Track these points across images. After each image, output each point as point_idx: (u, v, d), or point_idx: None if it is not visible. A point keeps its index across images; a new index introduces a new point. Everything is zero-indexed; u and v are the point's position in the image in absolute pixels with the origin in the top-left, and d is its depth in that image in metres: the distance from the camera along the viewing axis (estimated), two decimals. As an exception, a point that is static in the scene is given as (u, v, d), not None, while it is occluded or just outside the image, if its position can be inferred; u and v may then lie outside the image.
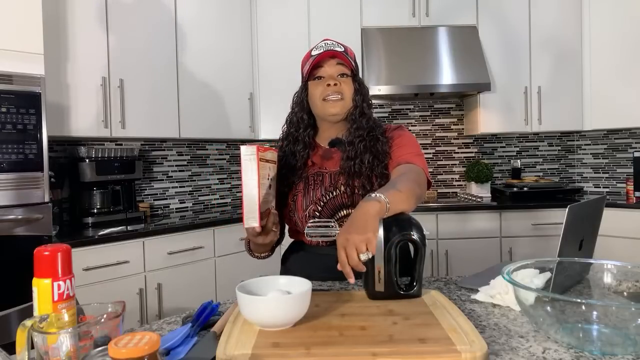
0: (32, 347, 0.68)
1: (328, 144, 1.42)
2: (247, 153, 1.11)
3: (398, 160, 1.32)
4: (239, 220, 2.99)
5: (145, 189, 3.24)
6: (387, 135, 1.40)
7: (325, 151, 1.43)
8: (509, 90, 3.48)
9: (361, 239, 1.00)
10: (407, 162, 1.30)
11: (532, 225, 3.19)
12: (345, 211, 1.35)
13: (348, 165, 1.33)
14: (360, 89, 1.39)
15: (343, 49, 1.37)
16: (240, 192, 1.14)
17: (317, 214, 1.35)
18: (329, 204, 1.35)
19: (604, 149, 3.77)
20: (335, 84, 1.34)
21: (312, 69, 1.36)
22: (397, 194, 1.10)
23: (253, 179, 1.10)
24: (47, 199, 2.15)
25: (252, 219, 1.11)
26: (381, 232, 1.04)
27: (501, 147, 3.89)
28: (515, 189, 3.49)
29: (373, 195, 1.08)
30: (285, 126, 1.46)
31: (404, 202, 1.10)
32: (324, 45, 1.37)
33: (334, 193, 1.35)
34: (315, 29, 3.41)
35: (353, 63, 1.39)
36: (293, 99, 1.45)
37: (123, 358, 0.52)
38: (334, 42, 1.37)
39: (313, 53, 1.37)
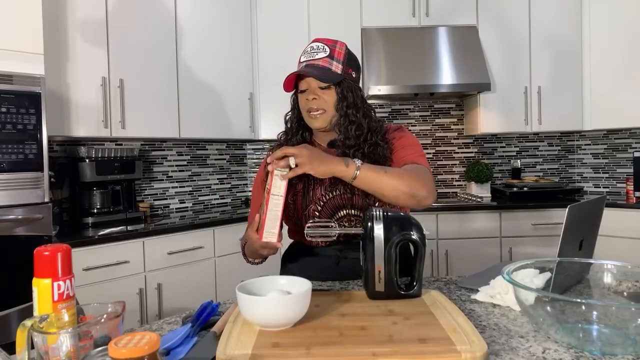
0: (32, 347, 0.68)
1: (327, 144, 1.41)
2: (281, 170, 1.12)
3: (404, 160, 1.30)
4: (239, 220, 2.99)
5: (145, 189, 3.24)
6: (388, 136, 1.37)
7: (324, 151, 1.42)
8: (509, 90, 3.48)
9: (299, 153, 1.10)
10: (413, 162, 1.29)
11: (532, 225, 3.19)
12: (344, 211, 1.34)
13: None
14: (344, 97, 1.30)
15: (327, 53, 1.30)
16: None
17: (317, 213, 1.35)
18: (328, 204, 1.35)
19: (604, 149, 3.77)
20: (314, 99, 1.31)
21: (296, 80, 1.34)
22: (379, 172, 1.15)
23: (281, 195, 1.12)
24: (47, 199, 2.15)
25: (271, 235, 1.14)
26: (381, 232, 1.04)
27: (501, 147, 3.89)
28: (515, 189, 3.49)
29: (352, 159, 1.15)
30: (285, 126, 1.46)
31: (384, 182, 1.11)
32: (309, 50, 1.33)
33: (334, 193, 1.34)
34: (315, 29, 3.40)
35: (340, 65, 1.31)
36: (291, 108, 1.44)
37: (123, 358, 0.52)
38: (319, 45, 1.32)
39: (301, 59, 1.34)
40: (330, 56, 1.30)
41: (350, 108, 1.31)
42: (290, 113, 1.43)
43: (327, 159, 1.14)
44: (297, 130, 1.41)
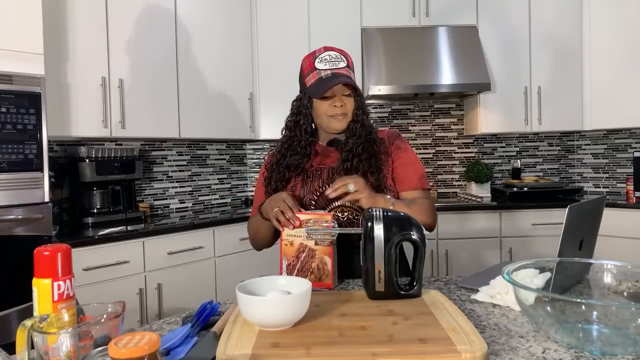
0: (32, 347, 0.68)
1: (327, 143, 1.48)
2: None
3: (413, 185, 1.45)
4: (239, 220, 2.99)
5: (145, 189, 3.24)
6: (384, 139, 1.47)
7: (324, 149, 1.49)
8: (509, 90, 3.48)
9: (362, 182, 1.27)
10: (421, 187, 1.45)
11: (532, 225, 3.19)
12: (339, 202, 1.39)
13: (346, 164, 1.40)
14: (361, 104, 1.43)
15: (346, 63, 1.39)
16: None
17: (313, 202, 1.41)
18: (325, 194, 1.38)
19: (604, 149, 3.77)
20: (341, 105, 1.39)
21: (319, 87, 1.38)
22: (405, 208, 1.31)
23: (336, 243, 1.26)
24: (47, 199, 2.15)
25: (336, 280, 1.27)
26: (381, 232, 1.05)
27: (501, 147, 3.89)
28: (515, 189, 3.49)
29: (387, 195, 1.33)
30: (286, 131, 1.48)
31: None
32: (327, 58, 1.38)
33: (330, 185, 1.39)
34: (315, 29, 3.41)
35: (353, 74, 1.43)
36: (294, 105, 1.47)
37: (123, 358, 0.52)
38: (337, 55, 1.39)
39: (317, 66, 1.38)
40: (348, 66, 1.41)
41: (365, 114, 1.44)
42: (299, 118, 1.44)
43: (374, 195, 1.30)
44: (309, 134, 1.45)
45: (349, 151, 1.40)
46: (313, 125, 1.46)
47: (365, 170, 1.39)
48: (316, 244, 1.24)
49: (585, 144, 3.87)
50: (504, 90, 3.47)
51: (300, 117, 1.44)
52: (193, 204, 3.50)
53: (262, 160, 1.57)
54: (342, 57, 1.40)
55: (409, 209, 1.32)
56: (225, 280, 2.85)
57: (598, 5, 3.41)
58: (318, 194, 1.40)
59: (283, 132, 1.49)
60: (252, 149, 3.88)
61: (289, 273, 1.26)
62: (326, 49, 1.41)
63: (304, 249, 1.26)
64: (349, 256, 1.37)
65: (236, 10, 3.34)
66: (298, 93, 1.48)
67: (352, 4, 3.43)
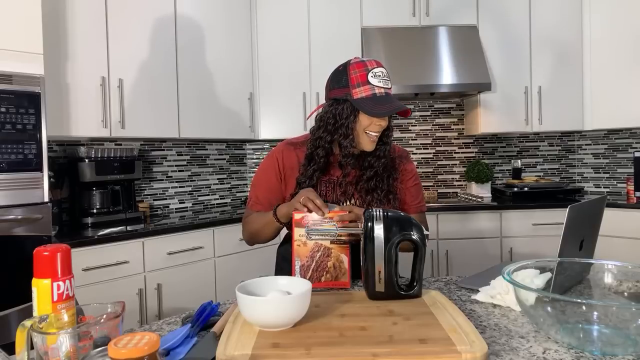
0: (32, 348, 0.68)
1: (343, 156, 1.40)
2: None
3: (420, 208, 1.51)
4: (239, 220, 2.98)
5: (145, 189, 3.24)
6: (395, 157, 1.47)
7: (332, 171, 1.45)
8: (509, 90, 3.47)
9: None
10: (423, 209, 1.52)
11: (532, 226, 3.19)
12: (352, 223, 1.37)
13: (370, 182, 1.39)
14: (391, 126, 1.41)
15: (391, 84, 1.36)
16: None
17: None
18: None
19: (605, 149, 3.77)
20: (381, 125, 1.35)
21: (375, 104, 1.31)
22: None
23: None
24: (46, 199, 2.14)
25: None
26: (381, 232, 1.05)
27: (501, 147, 3.89)
28: (515, 189, 3.49)
29: None
30: (324, 133, 1.38)
31: None
32: (380, 74, 1.32)
33: (345, 203, 1.39)
34: (315, 29, 3.41)
35: None
36: (334, 108, 1.36)
37: (123, 358, 0.52)
38: (386, 73, 1.34)
39: (371, 81, 1.30)
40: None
41: (391, 136, 1.44)
42: (339, 126, 1.35)
43: None
44: (331, 145, 1.40)
45: (374, 173, 1.39)
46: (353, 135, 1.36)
47: (387, 191, 1.39)
48: (332, 242, 1.23)
49: (586, 144, 3.87)
50: (505, 90, 3.47)
51: (341, 129, 1.35)
52: (193, 204, 3.50)
53: (263, 158, 1.53)
54: (389, 76, 1.35)
55: None
56: (225, 281, 2.85)
57: (598, 5, 3.41)
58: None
59: (316, 132, 1.40)
60: (252, 149, 3.88)
61: (303, 274, 1.22)
62: (377, 64, 1.34)
63: (319, 248, 1.23)
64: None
65: (236, 10, 3.34)
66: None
67: (352, 4, 3.43)
